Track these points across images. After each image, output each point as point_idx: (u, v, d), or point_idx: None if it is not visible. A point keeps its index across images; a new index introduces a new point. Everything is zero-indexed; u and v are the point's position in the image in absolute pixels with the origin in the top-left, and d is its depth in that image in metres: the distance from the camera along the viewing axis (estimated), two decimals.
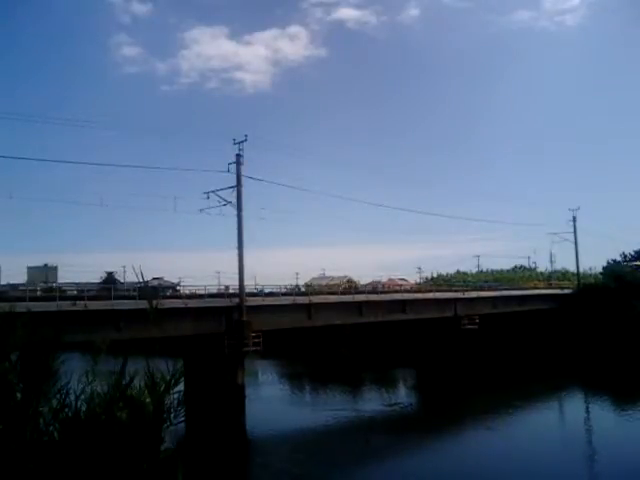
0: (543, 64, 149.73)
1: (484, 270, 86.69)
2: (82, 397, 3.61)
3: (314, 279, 74.67)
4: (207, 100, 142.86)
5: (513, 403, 33.54)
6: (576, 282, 64.94)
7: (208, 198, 34.75)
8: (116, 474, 3.35)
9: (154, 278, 54.08)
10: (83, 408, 3.56)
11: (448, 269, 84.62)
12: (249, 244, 35.14)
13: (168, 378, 3.74)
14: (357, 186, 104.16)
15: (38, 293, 30.24)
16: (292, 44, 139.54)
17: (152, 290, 32.78)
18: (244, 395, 31.99)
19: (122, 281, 66.84)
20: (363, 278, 65.91)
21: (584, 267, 71.65)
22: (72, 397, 3.62)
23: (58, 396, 3.62)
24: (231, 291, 35.83)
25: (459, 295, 49.38)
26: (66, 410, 3.58)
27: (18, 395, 3.67)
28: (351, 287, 48.13)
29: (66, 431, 3.45)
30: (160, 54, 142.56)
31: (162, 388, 3.63)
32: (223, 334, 31.38)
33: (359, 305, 41.52)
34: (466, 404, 34.22)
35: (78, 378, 3.73)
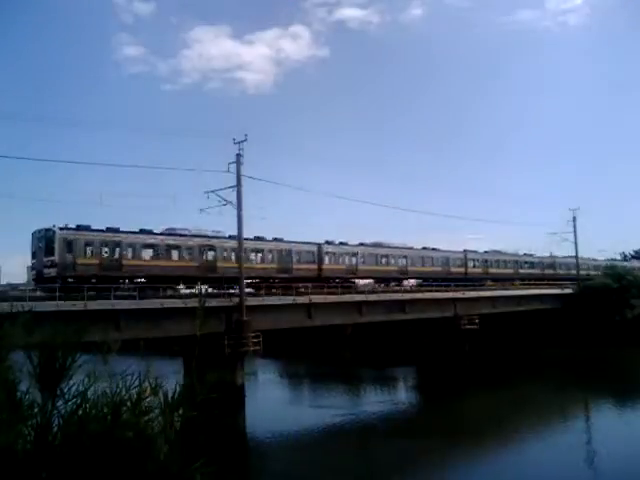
0: (545, 63, 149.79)
1: None
2: (91, 398, 3.60)
3: None
4: (209, 100, 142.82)
5: (513, 402, 33.52)
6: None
7: (208, 198, 34.63)
8: (124, 475, 3.35)
9: None
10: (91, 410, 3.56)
11: None
12: None
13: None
14: (358, 186, 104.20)
15: (38, 293, 30.17)
16: (294, 44, 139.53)
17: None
18: (244, 395, 31.98)
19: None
20: None
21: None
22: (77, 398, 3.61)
23: (72, 397, 3.62)
24: (231, 291, 35.85)
25: (459, 295, 49.36)
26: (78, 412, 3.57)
27: (18, 394, 3.66)
28: (351, 287, 48.03)
29: (75, 433, 3.45)
30: (162, 54, 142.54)
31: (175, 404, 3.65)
32: (223, 334, 31.36)
33: (359, 305, 41.54)
34: (467, 403, 34.18)
35: (83, 378, 3.72)
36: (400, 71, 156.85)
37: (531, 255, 67.44)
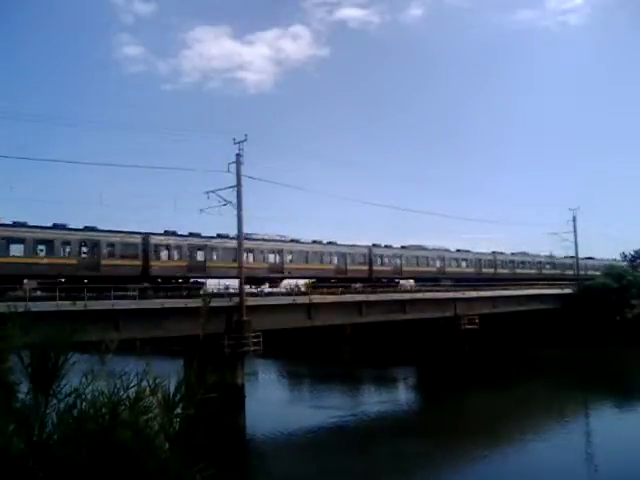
0: (545, 63, 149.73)
1: None
2: (87, 397, 3.59)
3: None
4: (209, 99, 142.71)
5: (513, 402, 33.54)
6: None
7: (208, 198, 34.58)
8: (122, 475, 3.35)
9: None
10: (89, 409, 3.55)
11: None
12: None
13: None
14: (358, 186, 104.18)
15: (38, 293, 30.14)
16: (295, 44, 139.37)
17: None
18: (244, 395, 32.00)
19: None
20: None
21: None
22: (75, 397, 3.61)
23: (64, 397, 3.61)
24: (231, 291, 35.83)
25: (459, 295, 49.38)
26: (74, 411, 3.56)
27: (19, 396, 3.66)
28: (351, 287, 47.92)
29: (72, 432, 3.44)
30: (162, 54, 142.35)
31: (174, 401, 3.65)
32: (223, 334, 31.39)
33: (359, 305, 41.59)
34: (467, 403, 34.21)
35: (81, 378, 3.71)
36: (400, 71, 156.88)
37: (467, 251, 59.43)
